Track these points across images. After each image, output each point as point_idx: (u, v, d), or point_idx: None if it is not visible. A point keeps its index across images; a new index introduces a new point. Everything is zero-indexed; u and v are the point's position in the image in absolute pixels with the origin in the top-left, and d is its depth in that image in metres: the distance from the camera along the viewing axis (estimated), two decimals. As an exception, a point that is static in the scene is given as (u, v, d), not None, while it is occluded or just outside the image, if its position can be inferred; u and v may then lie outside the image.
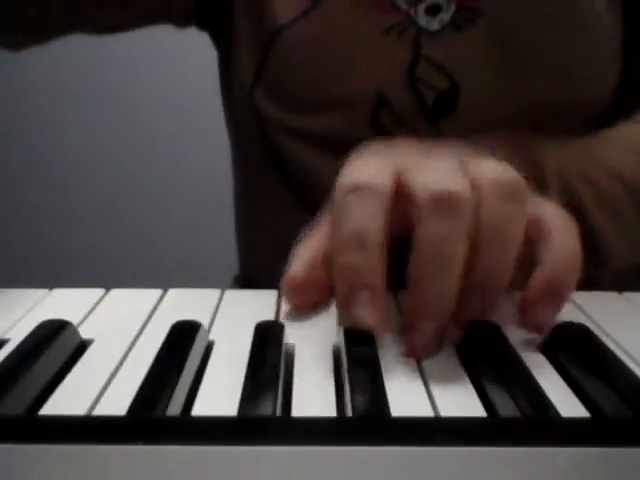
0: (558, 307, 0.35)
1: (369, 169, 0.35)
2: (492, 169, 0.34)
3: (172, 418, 0.27)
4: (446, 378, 0.31)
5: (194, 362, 0.32)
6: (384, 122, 0.54)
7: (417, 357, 0.33)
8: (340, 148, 0.54)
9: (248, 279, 0.66)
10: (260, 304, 0.40)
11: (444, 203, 0.32)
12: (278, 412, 0.27)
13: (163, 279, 0.89)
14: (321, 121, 0.55)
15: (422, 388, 0.30)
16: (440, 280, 0.32)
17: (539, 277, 0.35)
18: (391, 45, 0.53)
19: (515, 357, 0.32)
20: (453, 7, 0.53)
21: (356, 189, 0.34)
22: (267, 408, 0.27)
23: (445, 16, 0.53)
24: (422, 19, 0.53)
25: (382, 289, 0.33)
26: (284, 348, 0.33)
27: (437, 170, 0.34)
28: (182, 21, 0.62)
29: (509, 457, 0.23)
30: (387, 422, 0.26)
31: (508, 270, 0.34)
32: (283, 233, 0.60)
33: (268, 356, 0.31)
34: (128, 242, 1.87)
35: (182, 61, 1.69)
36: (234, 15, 0.57)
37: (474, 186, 0.33)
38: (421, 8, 0.53)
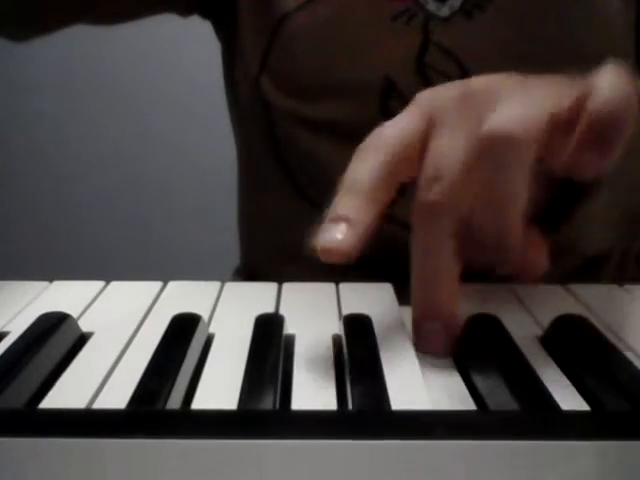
0: (605, 155, 0.32)
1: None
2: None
3: (172, 411, 0.27)
4: (445, 371, 0.31)
5: (194, 355, 0.32)
6: (392, 108, 0.53)
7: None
8: (347, 135, 0.54)
9: (249, 271, 0.66)
10: (260, 296, 0.40)
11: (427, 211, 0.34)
12: (278, 405, 0.27)
13: (163, 271, 0.89)
14: (328, 108, 0.54)
15: (422, 381, 0.30)
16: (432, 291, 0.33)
17: (582, 122, 0.32)
18: (400, 31, 0.52)
19: (514, 349, 0.32)
20: None
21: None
22: (267, 402, 0.27)
23: (455, 3, 0.52)
24: (431, 5, 0.52)
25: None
26: (284, 340, 0.33)
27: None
28: (185, 9, 0.61)
29: (508, 450, 0.23)
30: (387, 415, 0.26)
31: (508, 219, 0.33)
32: (285, 225, 0.60)
33: (268, 349, 0.31)
34: (129, 234, 1.87)
35: (184, 52, 1.69)
36: (238, 2, 0.57)
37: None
38: None
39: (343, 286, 0.41)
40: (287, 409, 0.28)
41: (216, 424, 0.24)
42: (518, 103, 0.33)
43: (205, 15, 0.63)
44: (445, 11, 0.53)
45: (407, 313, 0.36)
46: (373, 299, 0.39)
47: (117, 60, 1.73)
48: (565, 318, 0.35)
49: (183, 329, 0.33)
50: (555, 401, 0.27)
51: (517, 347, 0.32)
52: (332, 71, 0.53)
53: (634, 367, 0.30)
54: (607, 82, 0.32)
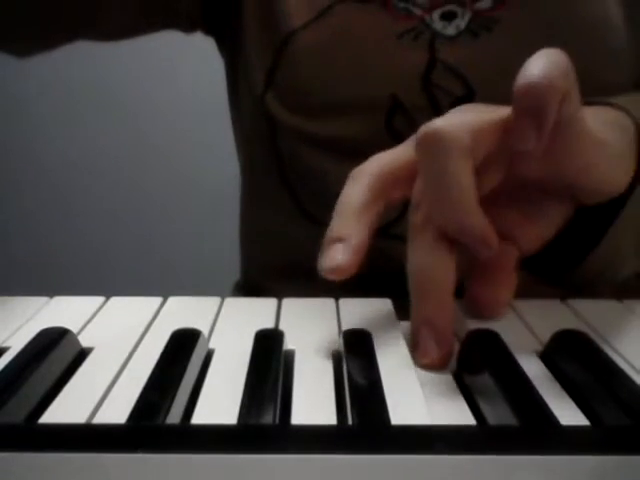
0: (539, 127, 0.33)
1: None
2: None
3: (172, 426, 0.27)
4: (445, 386, 0.31)
5: (194, 370, 0.32)
6: (398, 126, 0.53)
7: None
8: (352, 153, 0.54)
9: (250, 286, 0.66)
10: (260, 312, 0.40)
11: None
12: (278, 420, 0.27)
13: (164, 286, 0.89)
14: (333, 125, 0.54)
15: (421, 396, 0.30)
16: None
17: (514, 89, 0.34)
18: (406, 49, 0.53)
19: (514, 364, 0.32)
20: (469, 14, 0.53)
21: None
22: (267, 417, 0.27)
23: (461, 23, 0.53)
24: (438, 24, 0.53)
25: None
26: (284, 355, 0.33)
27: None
28: (188, 26, 0.61)
29: (507, 465, 0.23)
30: (386, 430, 0.26)
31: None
32: (286, 242, 0.60)
33: (268, 364, 0.31)
34: (129, 248, 1.87)
35: (185, 67, 1.69)
36: (243, 19, 0.57)
37: None
38: (436, 14, 0.53)
39: (343, 301, 0.41)
40: (287, 424, 0.28)
41: (216, 439, 0.24)
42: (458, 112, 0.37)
43: (208, 31, 0.63)
44: (451, 30, 0.53)
45: (407, 328, 0.36)
46: (373, 314, 0.39)
47: (119, 72, 1.74)
48: (565, 333, 0.35)
49: (183, 344, 0.33)
50: (554, 416, 0.27)
51: (516, 362, 0.32)
52: (338, 89, 0.54)
53: (633, 382, 0.30)
54: (529, 63, 0.35)
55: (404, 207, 0.55)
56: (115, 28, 0.59)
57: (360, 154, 0.55)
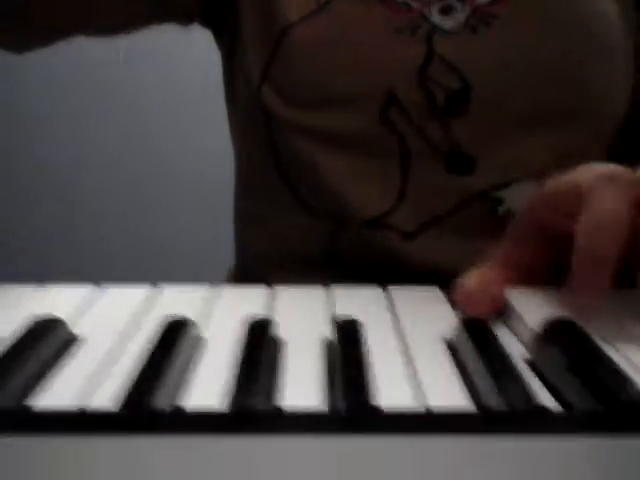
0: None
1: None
2: None
3: (163, 412, 0.27)
4: (435, 371, 0.32)
5: (185, 357, 0.32)
6: (393, 120, 0.54)
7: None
8: (347, 146, 0.55)
9: (244, 274, 0.66)
10: (251, 299, 0.40)
11: None
12: (269, 406, 0.27)
13: (158, 274, 0.89)
14: (329, 118, 0.54)
15: (413, 381, 0.30)
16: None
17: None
18: (403, 42, 0.53)
19: (502, 351, 0.32)
20: (468, 9, 0.53)
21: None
22: (259, 402, 0.27)
23: (460, 17, 0.53)
24: (436, 17, 0.53)
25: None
26: (274, 343, 0.33)
27: None
28: (186, 19, 0.61)
29: (499, 448, 0.23)
30: (376, 415, 0.26)
31: None
32: (282, 232, 0.61)
33: (259, 351, 0.32)
34: (122, 235, 1.87)
35: (183, 61, 1.69)
36: (240, 12, 0.57)
37: None
38: (435, 8, 0.53)
39: (336, 290, 0.41)
40: (279, 409, 0.28)
41: (208, 423, 0.24)
42: None
43: (206, 23, 0.63)
44: (450, 24, 0.53)
45: (398, 316, 0.36)
46: (365, 303, 0.39)
47: (117, 68, 1.74)
48: (555, 322, 0.35)
49: (174, 332, 0.33)
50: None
51: (504, 348, 0.32)
52: (334, 82, 0.54)
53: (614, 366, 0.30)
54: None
55: (398, 198, 0.55)
56: (114, 23, 0.58)
57: (354, 147, 0.55)
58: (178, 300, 0.40)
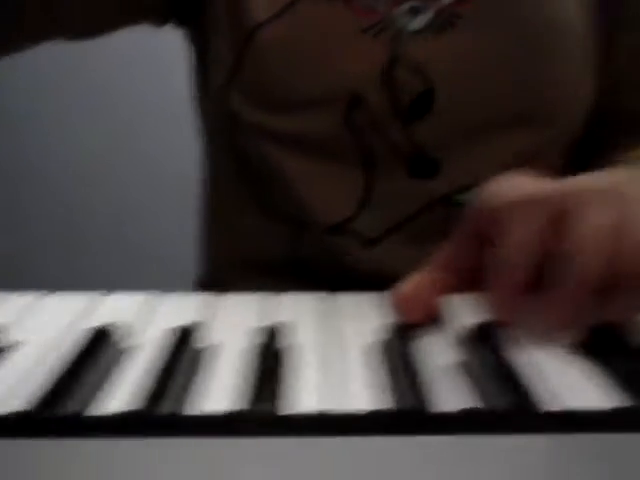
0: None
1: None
2: None
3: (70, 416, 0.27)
4: (351, 376, 0.32)
5: (104, 366, 0.32)
6: (358, 122, 0.53)
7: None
8: (312, 149, 0.55)
9: (209, 279, 0.66)
10: (187, 307, 0.40)
11: None
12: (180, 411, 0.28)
13: (127, 280, 0.90)
14: (295, 120, 0.54)
15: (324, 384, 0.30)
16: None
17: None
18: (368, 44, 0.52)
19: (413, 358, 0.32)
20: (432, 10, 0.53)
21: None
22: (166, 406, 0.27)
23: (424, 18, 0.53)
24: (401, 20, 0.53)
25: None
26: (208, 349, 0.34)
27: None
28: (160, 19, 0.61)
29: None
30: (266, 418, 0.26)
31: None
32: (245, 237, 0.61)
33: (182, 358, 0.32)
34: (108, 238, 1.87)
35: (173, 63, 1.69)
36: (211, 13, 0.57)
37: None
38: (400, 9, 0.53)
39: (275, 297, 0.41)
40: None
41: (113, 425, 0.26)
42: None
43: (179, 24, 0.62)
44: (415, 25, 0.53)
45: (330, 322, 0.37)
46: (302, 310, 0.39)
47: (102, 69, 1.74)
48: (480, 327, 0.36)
49: (97, 341, 0.33)
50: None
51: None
52: (300, 84, 0.54)
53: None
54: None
55: (361, 204, 0.55)
56: (86, 26, 0.58)
57: (320, 151, 0.55)
58: (116, 308, 0.39)
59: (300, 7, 0.53)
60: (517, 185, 0.36)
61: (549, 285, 0.34)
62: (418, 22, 0.53)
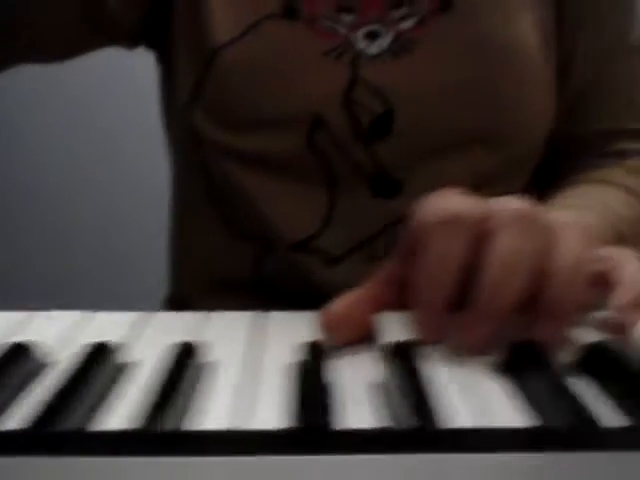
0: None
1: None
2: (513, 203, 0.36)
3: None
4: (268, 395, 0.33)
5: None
6: (320, 143, 0.55)
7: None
8: (275, 169, 0.55)
9: (178, 300, 0.66)
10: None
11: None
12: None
13: (96, 300, 0.89)
14: (257, 141, 0.55)
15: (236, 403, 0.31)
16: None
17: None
18: (329, 67, 0.54)
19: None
20: (391, 34, 0.54)
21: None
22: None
23: (383, 42, 0.54)
24: (361, 43, 0.54)
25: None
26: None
27: None
28: (130, 42, 0.61)
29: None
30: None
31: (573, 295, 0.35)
32: (211, 256, 0.61)
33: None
34: (58, 261, 1.84)
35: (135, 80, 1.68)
36: (174, 34, 0.58)
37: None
38: (360, 33, 0.54)
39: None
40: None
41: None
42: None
43: (149, 46, 0.63)
44: (374, 49, 0.54)
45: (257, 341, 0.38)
46: (235, 327, 0.40)
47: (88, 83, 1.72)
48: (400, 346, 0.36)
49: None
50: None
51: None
52: (262, 105, 0.54)
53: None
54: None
55: (324, 222, 0.56)
56: (56, 49, 0.58)
57: (283, 170, 0.56)
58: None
59: (262, 29, 0.54)
60: (445, 202, 0.36)
61: (469, 303, 0.34)
62: (377, 46, 0.54)
